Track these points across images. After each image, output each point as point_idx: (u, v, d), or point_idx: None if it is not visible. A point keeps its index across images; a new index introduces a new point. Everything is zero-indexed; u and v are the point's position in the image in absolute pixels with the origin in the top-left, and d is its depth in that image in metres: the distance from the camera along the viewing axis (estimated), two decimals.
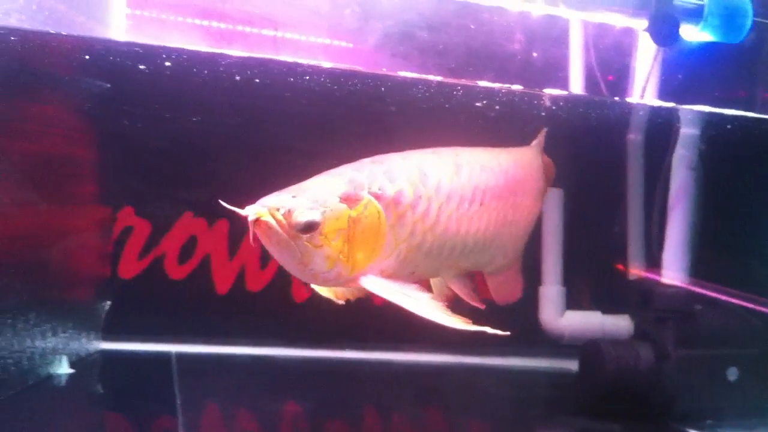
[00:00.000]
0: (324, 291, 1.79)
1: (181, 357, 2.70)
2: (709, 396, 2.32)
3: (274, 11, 2.38)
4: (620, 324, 2.75)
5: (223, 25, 2.55)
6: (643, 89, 2.20)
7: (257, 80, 2.26)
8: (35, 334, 2.26)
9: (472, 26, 1.86)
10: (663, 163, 2.63)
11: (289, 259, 1.56)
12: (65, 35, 2.05)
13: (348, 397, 2.50)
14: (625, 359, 2.33)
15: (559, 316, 2.79)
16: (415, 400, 2.56)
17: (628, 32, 2.16)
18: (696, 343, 2.34)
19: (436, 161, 1.75)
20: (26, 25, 1.91)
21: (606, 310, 2.82)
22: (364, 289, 1.63)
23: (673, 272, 2.59)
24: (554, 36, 2.07)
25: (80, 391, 2.39)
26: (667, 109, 2.38)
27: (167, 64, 2.23)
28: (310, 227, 1.52)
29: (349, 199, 1.58)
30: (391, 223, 1.64)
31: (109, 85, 2.52)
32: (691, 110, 2.39)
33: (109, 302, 2.69)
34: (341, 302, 1.79)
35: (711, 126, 2.56)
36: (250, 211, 1.50)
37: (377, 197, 1.62)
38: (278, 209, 1.51)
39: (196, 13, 2.49)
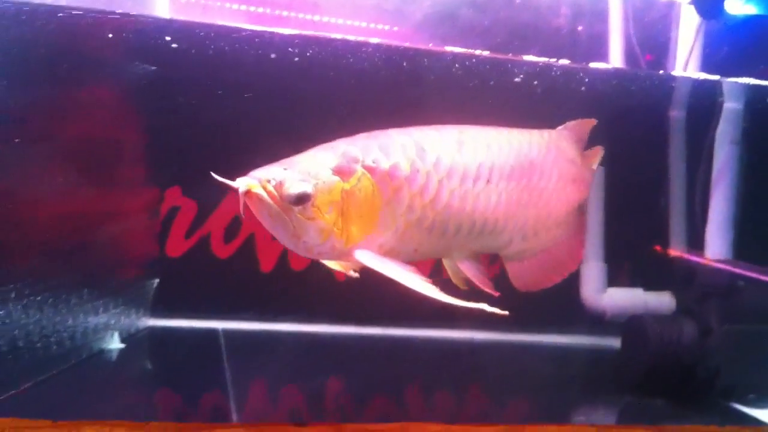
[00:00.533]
0: (333, 264, 1.79)
1: (228, 333, 2.76)
2: (752, 370, 2.32)
3: None
4: (663, 301, 2.74)
5: (261, 9, 2.58)
6: (686, 62, 2.18)
7: (305, 59, 2.28)
8: (88, 311, 2.33)
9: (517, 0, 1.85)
10: (706, 137, 2.62)
11: (282, 231, 1.57)
12: (112, 14, 2.08)
13: (391, 374, 2.53)
14: (668, 334, 2.34)
15: (601, 293, 2.78)
16: (458, 377, 2.58)
17: (671, 5, 2.14)
18: (739, 319, 2.34)
19: (436, 137, 1.73)
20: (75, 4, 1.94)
21: (648, 287, 2.81)
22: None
23: (716, 248, 2.58)
24: (597, 10, 2.06)
25: (131, 365, 2.46)
26: (710, 82, 2.36)
27: (212, 43, 2.27)
28: (301, 199, 1.53)
29: (342, 172, 1.59)
30: (386, 197, 1.64)
31: (154, 67, 2.57)
32: (735, 83, 2.36)
33: (157, 280, 2.75)
34: (356, 275, 1.79)
35: (754, 99, 2.53)
36: (241, 183, 1.51)
37: (371, 170, 1.62)
38: (269, 181, 1.52)
39: None
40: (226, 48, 2.30)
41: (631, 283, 2.81)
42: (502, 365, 2.76)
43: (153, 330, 2.74)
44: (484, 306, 1.56)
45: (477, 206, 1.76)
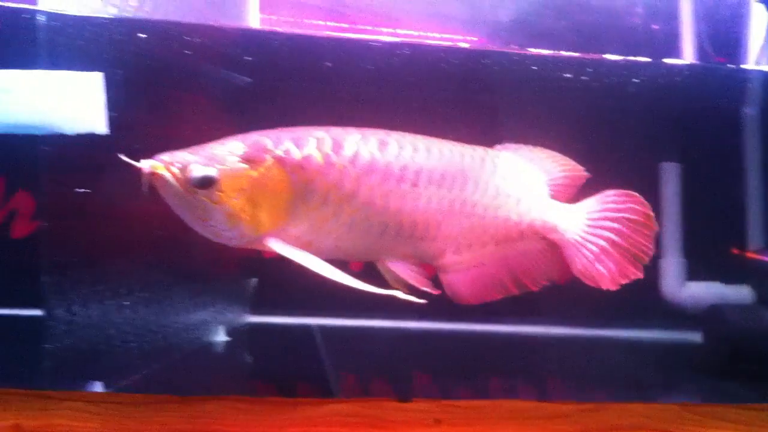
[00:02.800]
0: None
1: (323, 329, 2.90)
2: None
3: (396, 10, 2.53)
4: (741, 294, 2.77)
5: (346, 25, 2.72)
6: (759, 57, 2.22)
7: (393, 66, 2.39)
8: (198, 306, 2.51)
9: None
10: None
11: (189, 213, 1.61)
12: (207, 25, 2.22)
13: (472, 367, 2.61)
14: (749, 323, 2.39)
15: (681, 288, 2.84)
16: (537, 371, 2.66)
17: (741, 3, 2.19)
18: None
19: (357, 136, 1.74)
20: (164, 16, 2.08)
21: (727, 280, 2.86)
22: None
23: None
24: (669, 8, 2.11)
25: (236, 356, 2.63)
26: None
27: (302, 52, 2.39)
28: (205, 182, 1.56)
29: (250, 160, 1.63)
30: (298, 187, 1.66)
31: (249, 78, 2.74)
32: None
33: (255, 279, 2.93)
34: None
35: None
36: (146, 164, 1.55)
37: (281, 160, 1.65)
38: (173, 164, 1.57)
39: (321, 16, 2.66)
40: (319, 55, 2.44)
41: (711, 277, 2.87)
42: (582, 359, 2.82)
43: (253, 325, 2.92)
44: (398, 293, 1.65)
45: (403, 207, 1.75)
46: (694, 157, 2.84)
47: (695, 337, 2.63)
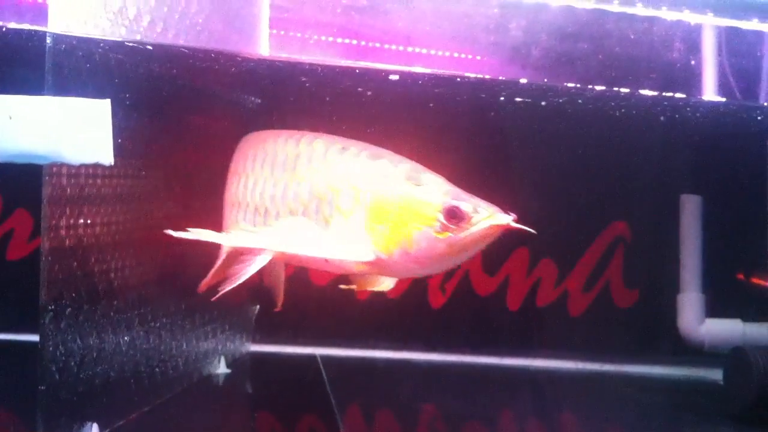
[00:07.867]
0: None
1: (325, 359, 2.82)
2: None
3: (407, 27, 2.45)
4: (762, 332, 2.71)
5: (354, 42, 2.64)
6: None
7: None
8: (200, 336, 2.40)
9: (632, 36, 1.84)
10: None
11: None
12: (223, 52, 2.13)
13: (482, 401, 2.55)
14: None
15: (699, 324, 2.76)
16: (549, 406, 2.59)
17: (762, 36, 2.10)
18: None
19: None
20: (189, 43, 2.00)
21: (747, 317, 2.78)
22: None
23: None
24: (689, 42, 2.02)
25: (238, 389, 2.54)
26: None
27: (314, 78, 2.32)
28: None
29: None
30: None
31: (259, 100, 2.66)
32: None
33: (257, 306, 2.82)
34: None
35: None
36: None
37: None
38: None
39: (333, 32, 2.58)
40: (332, 81, 2.36)
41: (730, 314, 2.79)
42: (595, 395, 2.75)
43: (254, 355, 2.81)
44: None
45: None
46: (716, 190, 2.77)
47: (715, 376, 2.55)
